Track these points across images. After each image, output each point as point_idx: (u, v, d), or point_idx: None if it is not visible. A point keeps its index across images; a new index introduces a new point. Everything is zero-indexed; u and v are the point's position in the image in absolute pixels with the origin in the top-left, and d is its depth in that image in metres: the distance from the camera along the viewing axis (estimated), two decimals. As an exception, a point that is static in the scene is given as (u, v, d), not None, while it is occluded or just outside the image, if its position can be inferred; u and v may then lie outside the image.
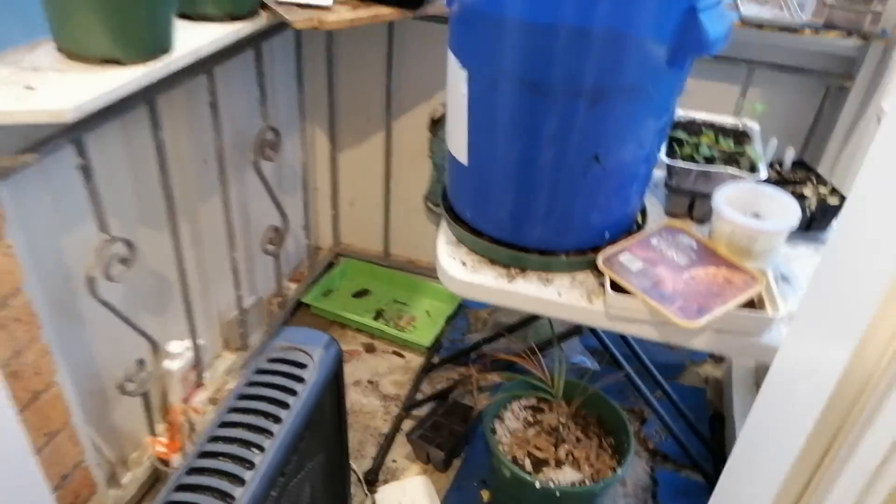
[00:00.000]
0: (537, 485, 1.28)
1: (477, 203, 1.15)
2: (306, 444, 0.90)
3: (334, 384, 0.99)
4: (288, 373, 0.89)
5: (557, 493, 1.29)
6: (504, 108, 1.01)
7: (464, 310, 2.06)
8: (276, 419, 0.82)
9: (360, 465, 1.61)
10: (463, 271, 1.15)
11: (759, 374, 1.78)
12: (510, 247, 1.13)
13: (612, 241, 1.14)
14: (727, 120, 1.33)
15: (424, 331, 1.95)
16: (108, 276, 1.18)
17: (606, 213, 1.12)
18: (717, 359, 1.94)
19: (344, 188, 2.07)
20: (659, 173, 1.37)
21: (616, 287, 1.06)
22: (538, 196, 1.08)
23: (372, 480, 1.56)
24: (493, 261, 1.16)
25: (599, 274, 1.15)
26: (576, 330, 1.43)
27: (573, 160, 1.02)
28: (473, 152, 1.09)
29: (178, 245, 1.42)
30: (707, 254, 1.11)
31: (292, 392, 0.87)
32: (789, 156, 1.30)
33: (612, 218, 1.14)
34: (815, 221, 1.22)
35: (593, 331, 1.42)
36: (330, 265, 2.17)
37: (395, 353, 1.92)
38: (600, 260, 1.09)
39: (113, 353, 1.33)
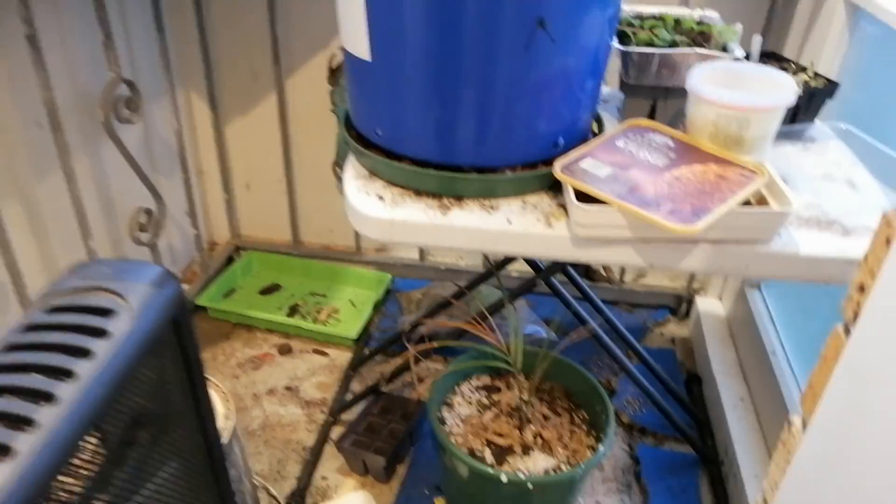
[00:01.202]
0: (504, 478, 1.01)
1: (390, 114, 0.88)
2: (138, 449, 0.56)
3: (174, 347, 0.60)
4: (79, 325, 0.49)
5: (529, 486, 1.02)
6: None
7: (393, 294, 1.77)
8: (47, 397, 0.45)
9: (280, 488, 1.29)
10: (380, 207, 0.87)
11: (732, 324, 1.58)
12: (440, 168, 0.86)
13: (567, 149, 0.89)
14: (682, 10, 1.11)
15: (349, 322, 1.65)
16: None
17: (557, 112, 0.87)
18: (681, 316, 1.74)
19: (236, 167, 1.75)
20: (608, 90, 1.14)
21: (581, 199, 0.80)
22: (469, 90, 0.81)
23: (298, 506, 1.25)
24: (420, 191, 0.89)
25: (555, 194, 0.90)
26: (528, 285, 1.18)
27: (511, 28, 0.76)
28: (378, 40, 0.82)
29: (4, 236, 1.07)
30: (688, 150, 0.87)
31: (83, 353, 0.48)
32: (756, 45, 1.09)
33: (564, 120, 0.89)
34: (801, 111, 1.01)
35: (548, 283, 1.17)
36: (229, 260, 1.83)
37: (316, 351, 1.61)
38: (558, 167, 0.83)
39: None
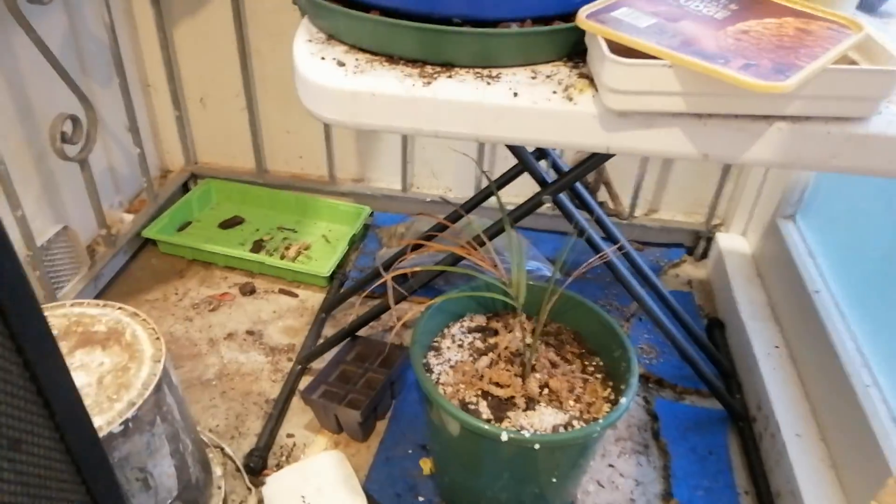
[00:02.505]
0: (504, 437, 0.81)
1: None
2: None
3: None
4: None
5: (535, 446, 0.82)
6: None
7: (373, 229, 1.56)
8: None
9: (238, 447, 1.09)
10: (340, 76, 0.64)
11: (760, 262, 1.37)
12: (420, 20, 0.63)
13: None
14: None
15: (322, 260, 1.44)
16: None
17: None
18: (698, 255, 1.53)
19: (187, 78, 1.51)
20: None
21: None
22: None
23: (258, 468, 1.05)
24: (394, 57, 0.66)
25: (577, 64, 0.67)
26: (532, 205, 0.96)
27: None
28: None
29: None
30: (755, 1, 0.65)
31: None
32: None
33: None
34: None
35: (556, 201, 0.95)
36: (185, 190, 1.60)
37: (283, 291, 1.40)
38: (583, 15, 0.61)
39: None
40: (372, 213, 1.57)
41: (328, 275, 1.38)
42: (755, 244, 1.41)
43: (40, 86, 1.17)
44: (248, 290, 1.39)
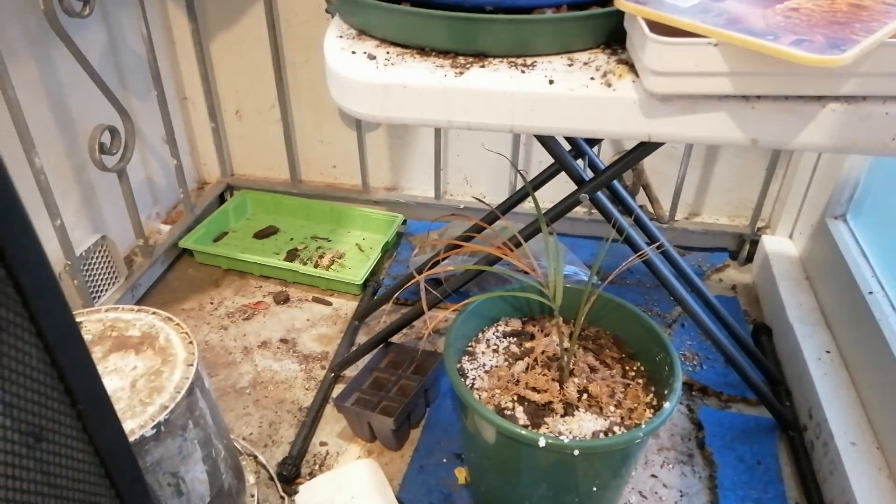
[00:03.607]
0: (541, 442, 0.78)
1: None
2: None
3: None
4: None
5: (574, 452, 0.78)
6: None
7: (406, 236, 1.54)
8: None
9: (271, 455, 1.08)
10: (371, 69, 0.63)
11: (808, 265, 1.32)
12: (451, 9, 0.62)
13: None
14: None
15: (355, 268, 1.43)
16: None
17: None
18: (742, 260, 1.48)
19: (223, 91, 1.52)
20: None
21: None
22: None
23: (291, 476, 1.04)
24: (425, 49, 0.65)
25: (616, 51, 0.65)
26: (569, 204, 0.93)
27: None
28: None
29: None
30: (804, -20, 0.62)
31: None
32: None
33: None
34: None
35: (594, 199, 0.93)
36: (221, 201, 1.62)
37: (316, 300, 1.39)
38: (621, -3, 0.58)
39: None
40: (405, 221, 1.56)
41: (361, 282, 1.36)
42: (803, 246, 1.36)
43: (80, 98, 1.19)
44: (281, 299, 1.38)
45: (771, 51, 0.50)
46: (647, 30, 0.54)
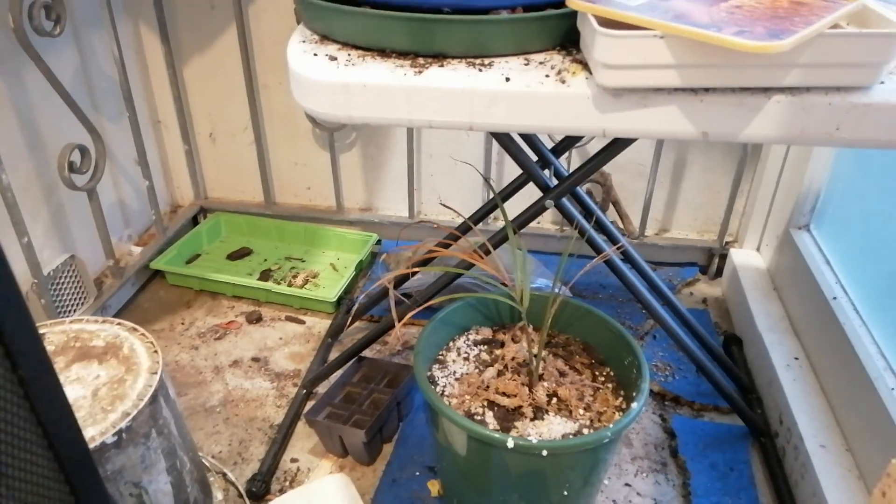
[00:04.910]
0: (510, 443, 0.77)
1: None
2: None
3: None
4: None
5: (543, 452, 0.78)
6: None
7: (380, 256, 1.55)
8: None
9: (241, 472, 1.06)
10: (332, 69, 0.64)
11: (776, 276, 1.34)
12: (409, 10, 0.64)
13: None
14: None
15: (329, 287, 1.42)
16: None
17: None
18: (712, 273, 1.50)
19: (196, 114, 1.53)
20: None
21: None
22: None
23: (260, 492, 1.02)
24: (385, 50, 0.66)
25: (570, 52, 0.67)
26: (535, 211, 0.95)
27: None
28: None
29: None
30: (747, -19, 0.65)
31: None
32: None
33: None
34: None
35: (559, 206, 0.94)
36: (195, 224, 1.61)
37: (290, 318, 1.38)
38: (571, -5, 0.61)
39: None
40: (379, 240, 1.57)
41: (335, 300, 1.36)
42: (770, 258, 1.38)
43: (50, 118, 1.19)
44: (254, 318, 1.38)
45: (714, 40, 0.52)
46: (595, 24, 0.56)
